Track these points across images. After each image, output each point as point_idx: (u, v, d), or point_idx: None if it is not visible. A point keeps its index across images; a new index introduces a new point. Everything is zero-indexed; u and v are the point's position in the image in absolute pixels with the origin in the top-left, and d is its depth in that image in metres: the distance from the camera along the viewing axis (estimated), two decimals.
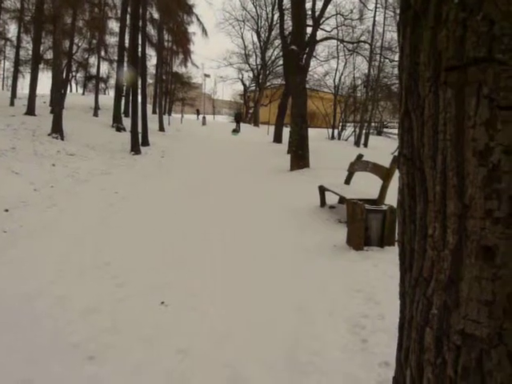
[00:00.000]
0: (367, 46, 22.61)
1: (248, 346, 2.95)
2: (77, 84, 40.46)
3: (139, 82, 17.06)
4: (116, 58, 24.53)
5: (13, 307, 3.35)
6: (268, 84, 36.56)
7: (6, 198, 7.76)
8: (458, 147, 0.67)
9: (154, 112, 28.14)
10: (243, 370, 2.65)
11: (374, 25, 21.75)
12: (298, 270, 4.37)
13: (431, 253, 0.71)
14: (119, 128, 18.91)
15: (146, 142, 16.68)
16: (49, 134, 13.79)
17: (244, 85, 41.40)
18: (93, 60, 32.25)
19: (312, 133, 14.42)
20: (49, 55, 26.98)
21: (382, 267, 4.33)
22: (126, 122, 18.28)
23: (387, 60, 22.38)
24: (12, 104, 19.95)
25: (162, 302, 3.60)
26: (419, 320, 0.74)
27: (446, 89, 0.67)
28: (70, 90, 35.63)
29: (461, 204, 0.66)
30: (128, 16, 19.86)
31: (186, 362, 2.74)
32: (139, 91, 17.13)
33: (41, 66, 24.29)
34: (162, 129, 22.49)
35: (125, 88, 22.77)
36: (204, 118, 33.39)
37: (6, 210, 7.05)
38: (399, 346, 0.82)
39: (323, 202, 7.45)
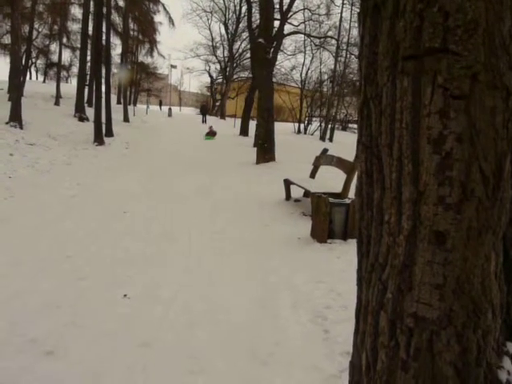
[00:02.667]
0: (334, 42, 22.89)
1: (211, 338, 2.95)
2: (37, 71, 38.92)
3: (103, 71, 16.61)
4: (79, 45, 23.73)
5: None
6: (235, 77, 36.38)
7: None
8: (413, 135, 0.68)
9: (118, 102, 27.51)
10: (206, 362, 2.65)
11: (340, 20, 22.01)
12: (262, 262, 4.40)
13: (387, 238, 0.73)
14: (82, 118, 18.37)
15: (109, 133, 16.29)
16: (6, 123, 13.22)
17: (211, 77, 41.06)
18: (54, 47, 31.05)
19: (278, 127, 14.49)
20: (6, 40, 25.81)
21: (345, 259, 4.42)
22: (89, 111, 17.77)
23: (353, 56, 22.74)
24: None
25: (125, 295, 3.54)
26: (374, 304, 0.76)
27: (403, 78, 0.69)
28: (30, 78, 34.29)
29: (415, 190, 0.68)
30: (92, 2, 19.25)
31: (149, 355, 2.71)
32: (103, 80, 16.68)
33: None
34: (126, 119, 22.00)
35: (88, 77, 22.14)
36: (170, 109, 32.89)
37: None
38: (356, 331, 0.84)
39: (288, 196, 7.52)
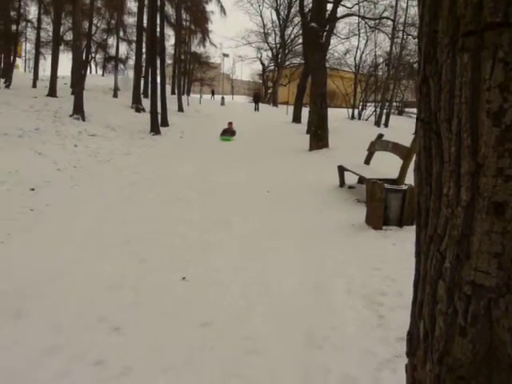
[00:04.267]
0: (389, 23, 21.97)
1: (267, 320, 3.04)
2: (96, 65, 40.77)
3: (158, 63, 17.08)
4: (134, 38, 24.53)
5: (39, 283, 3.48)
6: (287, 63, 36.11)
7: (31, 177, 7.99)
8: (472, 110, 0.70)
9: (172, 92, 28.22)
10: (262, 343, 2.74)
11: (397, 0, 21.14)
12: (317, 248, 4.43)
13: (445, 211, 0.76)
14: (139, 109, 19.06)
15: (165, 123, 16.81)
16: (70, 115, 14.01)
17: (263, 64, 41.03)
18: (111, 41, 32.45)
19: (332, 112, 14.27)
20: (69, 36, 27.21)
21: (401, 246, 4.35)
22: (146, 102, 18.38)
23: (410, 37, 21.79)
24: (34, 86, 20.29)
25: (184, 278, 3.70)
26: (433, 274, 0.79)
27: (463, 54, 0.70)
28: (90, 71, 35.96)
29: (474, 163, 0.70)
30: None
31: (208, 335, 2.84)
32: (158, 72, 17.17)
33: (61, 47, 24.52)
34: (181, 109, 22.57)
35: (144, 69, 22.85)
36: (223, 98, 33.32)
37: (32, 189, 7.26)
38: (414, 301, 0.87)
39: (342, 182, 7.45)
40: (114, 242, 4.60)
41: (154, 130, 15.18)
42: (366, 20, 21.96)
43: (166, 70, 20.00)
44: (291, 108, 22.94)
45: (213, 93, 41.16)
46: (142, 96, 20.68)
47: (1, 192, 6.92)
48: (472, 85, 0.70)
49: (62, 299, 3.24)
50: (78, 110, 14.11)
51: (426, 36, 0.79)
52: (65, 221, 5.33)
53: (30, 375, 2.37)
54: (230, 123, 15.72)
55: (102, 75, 35.94)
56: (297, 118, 20.68)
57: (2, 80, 19.25)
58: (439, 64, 0.76)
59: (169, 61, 32.06)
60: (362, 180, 6.98)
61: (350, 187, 7.34)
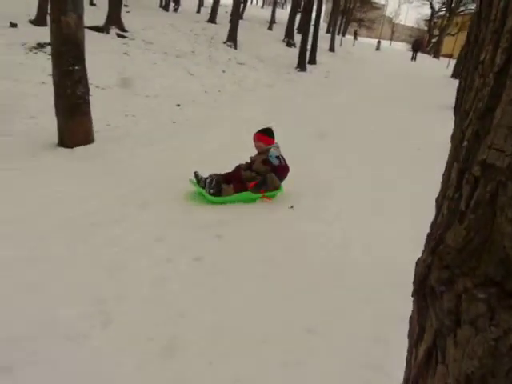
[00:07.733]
0: None
1: None
2: None
3: None
4: None
5: None
6: (461, 9, 31.83)
7: (180, 95, 8.74)
8: None
9: (328, 31, 27.35)
10: None
11: None
12: None
13: (477, 81, 0.63)
14: (290, 43, 19.01)
15: (313, 60, 16.58)
16: (224, 42, 14.63)
17: (432, 8, 36.84)
18: None
19: None
20: None
21: None
22: (298, 38, 18.22)
23: None
24: (198, 11, 21.50)
25: None
26: (451, 158, 0.69)
27: None
28: (251, 2, 36.53)
29: None
30: None
31: None
32: (315, 7, 16.74)
33: None
34: (332, 49, 21.90)
35: (302, 4, 22.43)
36: (379, 42, 31.18)
37: (178, 105, 7.96)
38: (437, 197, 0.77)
39: None
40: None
41: (301, 66, 15.12)
42: None
43: (325, 6, 19.33)
44: (454, 62, 20.62)
45: (355, 34, 35.05)
46: (295, 31, 20.50)
47: (154, 104, 7.75)
48: None
49: None
50: (232, 38, 14.66)
51: None
52: (198, 134, 5.83)
53: None
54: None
55: (262, 7, 36.28)
56: (458, 73, 18.53)
57: (173, 4, 20.75)
58: None
59: None
60: None
61: None
